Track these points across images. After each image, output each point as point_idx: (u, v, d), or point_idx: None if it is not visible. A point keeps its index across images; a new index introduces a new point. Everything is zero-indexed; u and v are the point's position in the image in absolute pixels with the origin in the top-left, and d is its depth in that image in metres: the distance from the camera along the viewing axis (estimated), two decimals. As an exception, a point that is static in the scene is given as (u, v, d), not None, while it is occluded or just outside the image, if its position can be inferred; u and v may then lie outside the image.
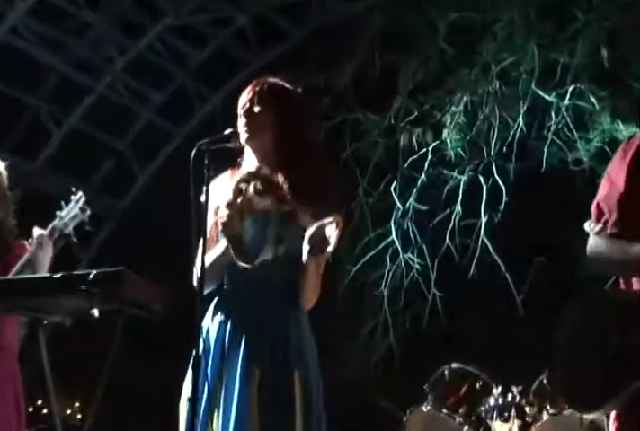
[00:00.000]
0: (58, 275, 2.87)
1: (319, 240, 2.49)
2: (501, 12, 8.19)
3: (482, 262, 8.12)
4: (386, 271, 8.62)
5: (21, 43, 9.17)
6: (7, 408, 3.46)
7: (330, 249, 2.47)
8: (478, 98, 8.37)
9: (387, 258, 8.65)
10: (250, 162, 2.87)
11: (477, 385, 5.24)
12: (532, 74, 8.06)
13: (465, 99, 8.39)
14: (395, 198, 8.69)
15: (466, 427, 5.15)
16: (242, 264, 2.68)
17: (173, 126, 10.54)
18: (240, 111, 2.84)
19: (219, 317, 2.76)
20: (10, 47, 9.04)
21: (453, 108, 8.42)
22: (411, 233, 8.65)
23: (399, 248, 8.62)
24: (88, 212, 3.47)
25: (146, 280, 2.88)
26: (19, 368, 3.54)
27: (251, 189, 2.72)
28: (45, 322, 3.09)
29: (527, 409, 5.11)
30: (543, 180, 8.14)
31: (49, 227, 3.44)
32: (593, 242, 2.37)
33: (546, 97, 8.05)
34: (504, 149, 8.26)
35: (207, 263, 2.60)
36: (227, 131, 2.72)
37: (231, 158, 2.89)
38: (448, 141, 8.45)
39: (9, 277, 3.31)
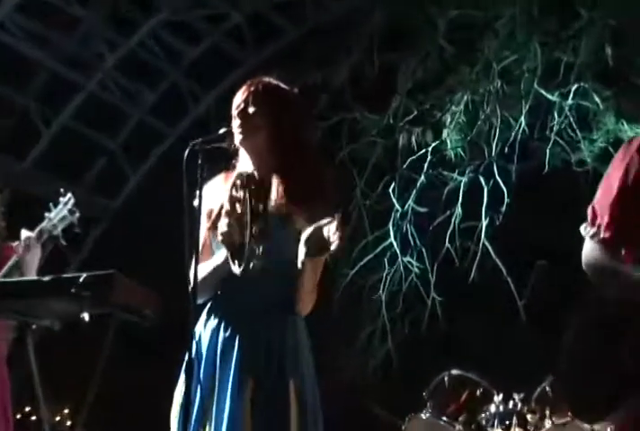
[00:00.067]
0: (48, 277, 2.89)
1: (317, 240, 2.46)
2: (502, 8, 8.12)
3: (483, 266, 8.05)
4: (385, 275, 8.55)
5: (8, 39, 9.06)
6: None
7: (333, 247, 2.42)
8: (479, 97, 8.30)
9: (386, 261, 8.58)
10: (245, 164, 2.82)
11: (478, 392, 5.19)
12: (535, 73, 7.99)
13: (465, 98, 8.32)
14: (394, 200, 8.61)
15: (466, 435, 5.15)
16: (236, 270, 2.63)
17: (166, 125, 10.48)
18: (234, 112, 2.79)
19: (213, 322, 2.73)
20: (-3, 43, 8.96)
21: (453, 107, 8.35)
22: (410, 235, 8.59)
23: (398, 251, 8.56)
24: (77, 214, 3.50)
25: (138, 283, 2.90)
26: (7, 373, 3.56)
27: (247, 195, 2.62)
28: (34, 326, 3.11)
29: (528, 416, 5.07)
30: (545, 181, 8.07)
31: (37, 229, 3.48)
32: (587, 249, 2.33)
33: (549, 96, 7.98)
34: (506, 150, 8.19)
35: (204, 273, 2.60)
36: (222, 130, 2.69)
37: (225, 159, 2.83)
38: (449, 141, 8.39)
39: (-4, 279, 3.32)
